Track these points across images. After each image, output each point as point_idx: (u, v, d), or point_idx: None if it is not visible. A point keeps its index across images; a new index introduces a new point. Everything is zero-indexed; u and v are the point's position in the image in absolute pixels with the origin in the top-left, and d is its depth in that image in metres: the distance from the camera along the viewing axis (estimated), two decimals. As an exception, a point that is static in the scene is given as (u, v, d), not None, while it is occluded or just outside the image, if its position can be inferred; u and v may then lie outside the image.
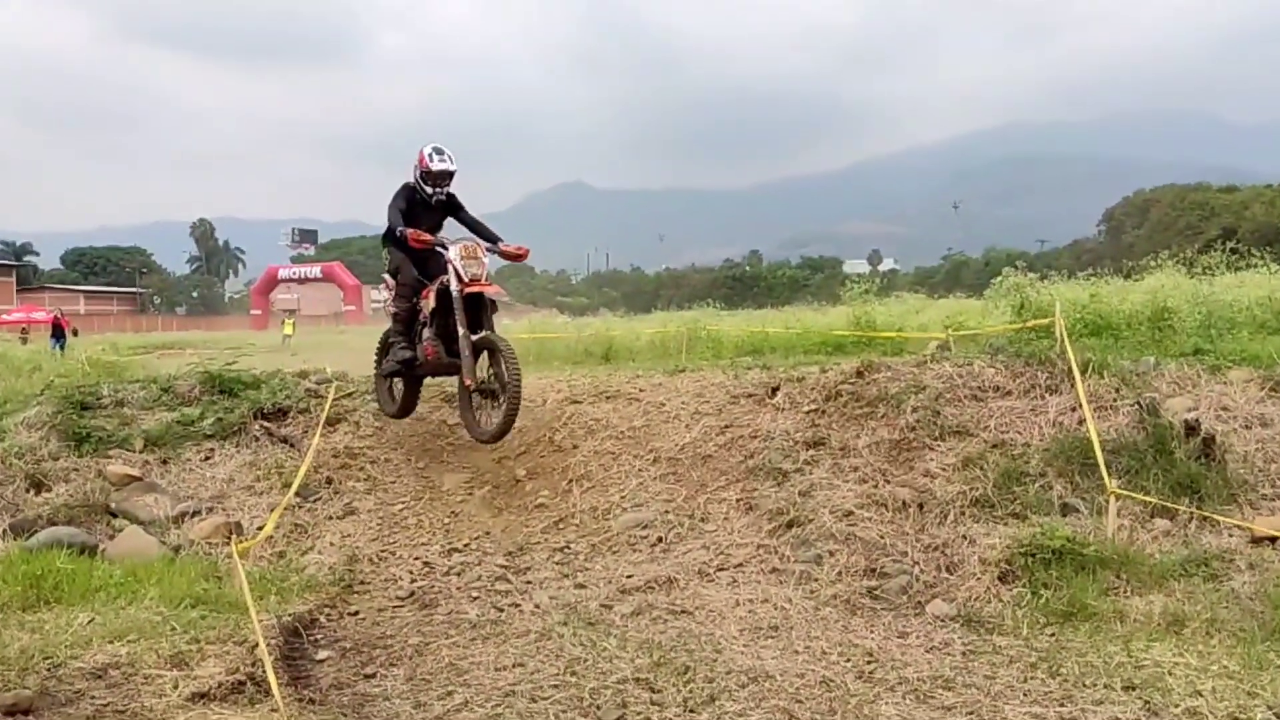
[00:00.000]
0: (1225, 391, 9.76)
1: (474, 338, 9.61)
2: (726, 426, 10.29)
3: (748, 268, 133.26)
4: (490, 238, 10.09)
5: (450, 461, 10.52)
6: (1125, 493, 8.13)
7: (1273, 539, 7.76)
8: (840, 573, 7.69)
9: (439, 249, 9.75)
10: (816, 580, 7.63)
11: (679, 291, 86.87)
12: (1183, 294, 15.04)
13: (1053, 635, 6.50)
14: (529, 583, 7.94)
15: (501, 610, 7.34)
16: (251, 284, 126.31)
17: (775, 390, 10.81)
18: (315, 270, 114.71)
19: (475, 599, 7.62)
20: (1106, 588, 7.09)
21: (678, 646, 6.38)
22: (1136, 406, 9.27)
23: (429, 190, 9.99)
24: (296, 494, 9.45)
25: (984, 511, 8.30)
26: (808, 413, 10.19)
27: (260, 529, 8.77)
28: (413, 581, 8.06)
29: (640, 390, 11.55)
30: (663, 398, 11.15)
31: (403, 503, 9.69)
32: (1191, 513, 8.08)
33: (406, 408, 10.88)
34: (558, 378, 12.72)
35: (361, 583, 8.09)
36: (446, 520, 9.37)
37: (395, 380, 10.92)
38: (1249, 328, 13.61)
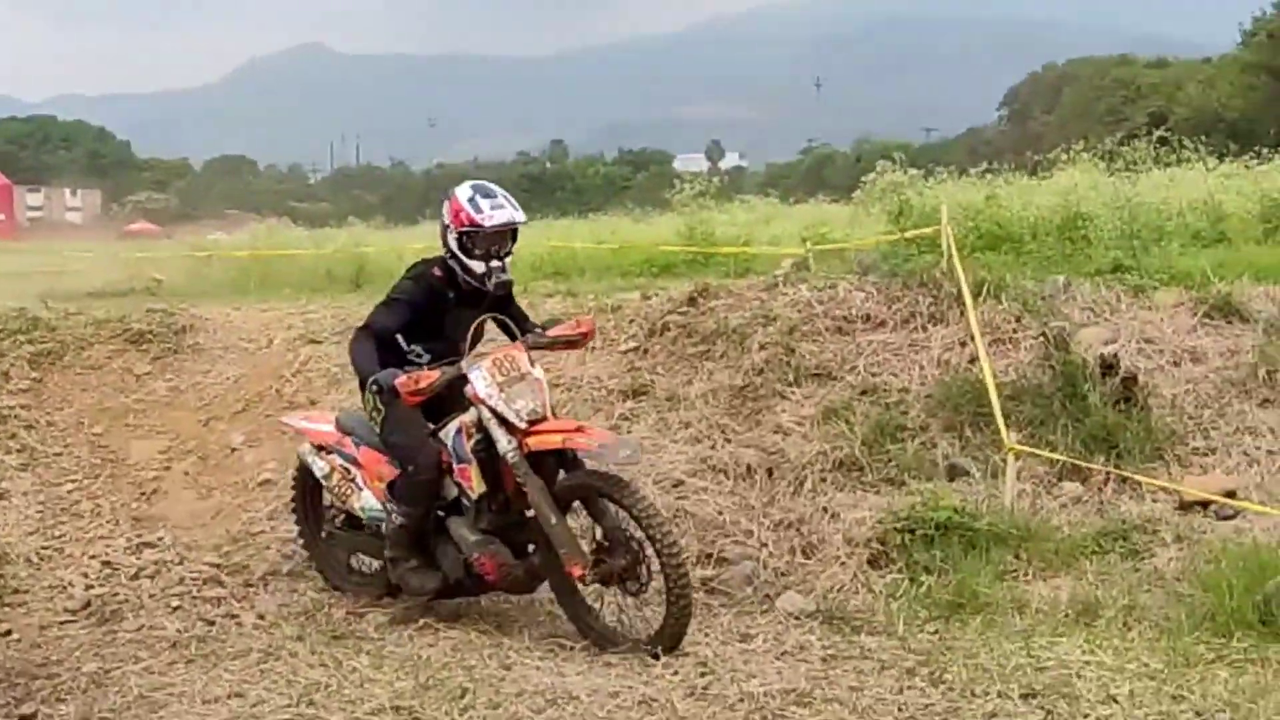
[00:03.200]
0: (1150, 319, 10.26)
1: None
2: (518, 372, 10.27)
3: (549, 163, 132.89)
4: (521, 321, 7.56)
5: (139, 424, 10.26)
6: (1027, 449, 8.45)
7: (1205, 503, 8.21)
8: (667, 560, 7.78)
9: (458, 377, 7.01)
10: None
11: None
12: (1101, 196, 15.68)
13: (935, 633, 6.74)
14: (250, 586, 7.83)
15: (212, 624, 7.20)
16: None
17: (582, 323, 10.86)
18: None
19: (176, 609, 7.45)
20: (1003, 571, 7.38)
21: (453, 664, 6.38)
22: (1042, 339, 9.64)
23: (479, 270, 7.25)
24: (-80, 473, 9.07)
25: (850, 477, 8.53)
26: (625, 353, 10.28)
27: None
28: (88, 588, 7.81)
29: (402, 325, 11.42)
30: (432, 335, 11.06)
31: (73, 481, 9.40)
32: (1108, 473, 8.47)
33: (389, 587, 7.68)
34: (288, 309, 12.49)
35: (15, 591, 7.79)
36: (135, 504, 9.16)
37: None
38: (1180, 238, 14.31)
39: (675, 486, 8.51)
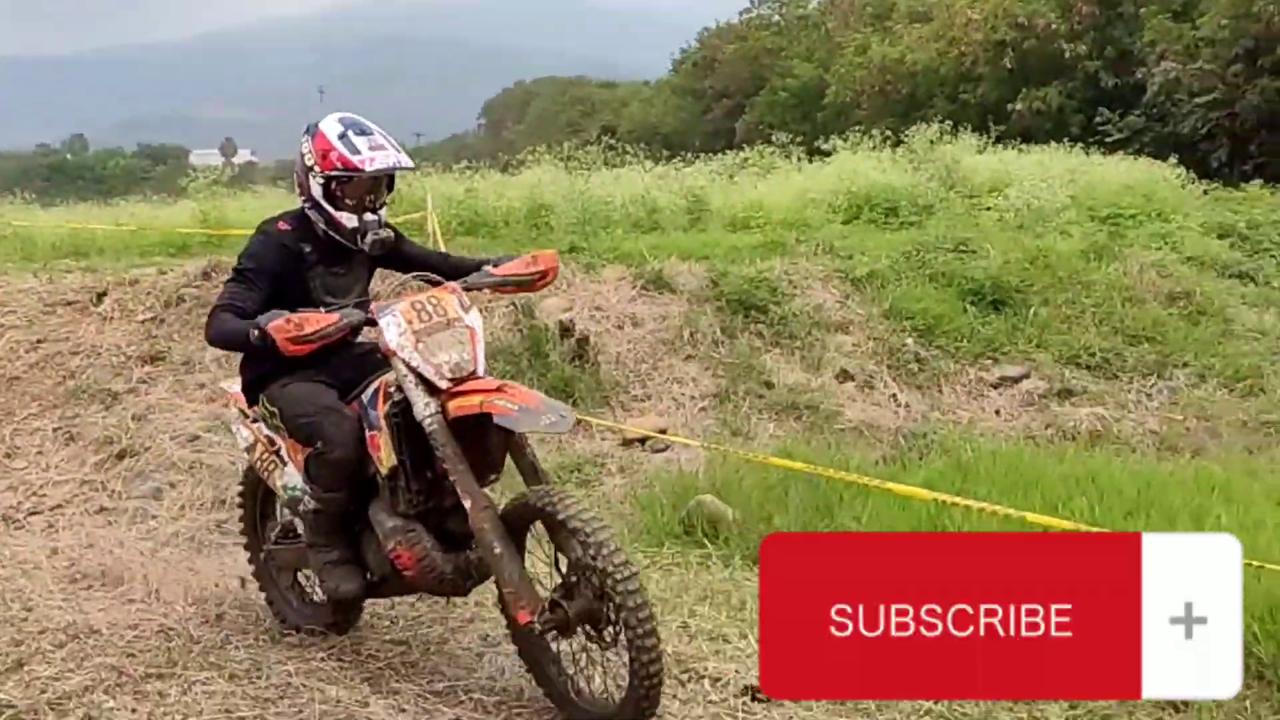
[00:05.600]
0: (599, 291, 10.72)
1: (504, 502, 4.84)
2: (39, 341, 9.68)
3: (69, 155, 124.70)
4: (459, 264, 5.41)
5: None
6: (500, 399, 8.68)
7: (642, 440, 8.70)
8: (184, 507, 7.60)
9: (363, 324, 4.98)
10: (155, 518, 7.50)
11: (-22, 182, 79.32)
12: (560, 191, 16.20)
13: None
14: None
15: None
16: None
17: (102, 296, 10.32)
18: None
19: None
20: (480, 502, 7.56)
21: (-27, 609, 5.93)
22: (512, 308, 9.92)
23: (349, 225, 5.10)
24: None
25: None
26: (143, 322, 9.86)
27: None
28: None
29: (-81, 300, 10.50)
30: (-48, 308, 10.22)
31: None
32: (565, 417, 8.84)
33: (341, 614, 5.58)
34: None
35: None
36: None
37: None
38: (623, 225, 14.98)
39: (192, 441, 8.27)
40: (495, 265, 5.22)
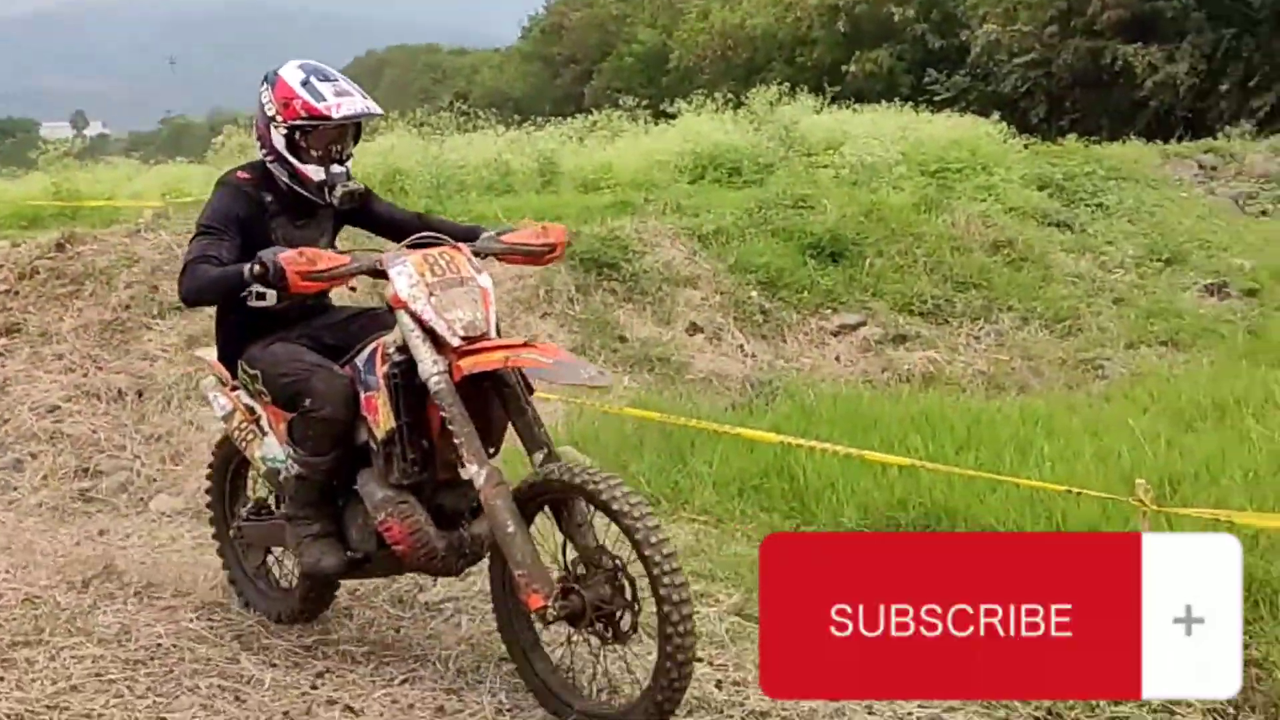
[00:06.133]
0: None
1: (517, 481, 4.26)
2: (-112, 318, 9.27)
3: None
4: (457, 229, 4.84)
5: None
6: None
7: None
8: (46, 477, 7.42)
9: (372, 272, 4.40)
10: (17, 489, 7.33)
11: None
12: (414, 156, 15.99)
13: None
14: None
15: None
16: None
17: (-49, 271, 9.91)
18: None
19: None
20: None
21: None
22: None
23: (316, 178, 4.64)
24: None
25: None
26: (-4, 295, 9.51)
27: None
28: None
29: None
30: None
31: None
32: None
33: (311, 602, 5.11)
34: None
35: None
36: None
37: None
38: (477, 189, 14.87)
39: (51, 412, 8.02)
40: (500, 234, 4.71)
